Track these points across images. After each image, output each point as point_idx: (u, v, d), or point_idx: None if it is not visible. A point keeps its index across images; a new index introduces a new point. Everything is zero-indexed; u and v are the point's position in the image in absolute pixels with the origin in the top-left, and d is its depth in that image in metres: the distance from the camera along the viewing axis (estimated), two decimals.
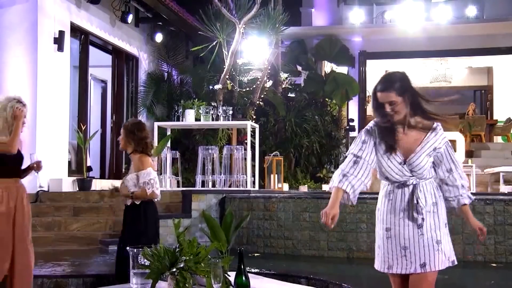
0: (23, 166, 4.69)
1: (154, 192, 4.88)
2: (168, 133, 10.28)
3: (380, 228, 3.28)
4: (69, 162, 10.86)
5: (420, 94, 3.18)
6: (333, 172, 16.03)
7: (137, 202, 4.87)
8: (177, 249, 2.90)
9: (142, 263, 2.99)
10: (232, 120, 10.10)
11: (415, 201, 3.15)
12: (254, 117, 12.76)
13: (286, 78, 15.21)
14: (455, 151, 14.00)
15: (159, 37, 13.36)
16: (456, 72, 20.41)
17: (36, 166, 4.70)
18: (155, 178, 4.92)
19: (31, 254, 4.61)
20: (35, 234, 5.79)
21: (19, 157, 4.59)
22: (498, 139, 17.58)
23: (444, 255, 3.16)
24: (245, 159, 9.73)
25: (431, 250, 3.14)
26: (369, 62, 17.74)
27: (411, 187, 3.18)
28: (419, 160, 3.16)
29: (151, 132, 11.41)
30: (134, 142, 4.92)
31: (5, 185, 4.47)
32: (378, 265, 3.28)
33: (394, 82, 3.16)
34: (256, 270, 5.66)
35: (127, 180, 4.87)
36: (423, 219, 3.15)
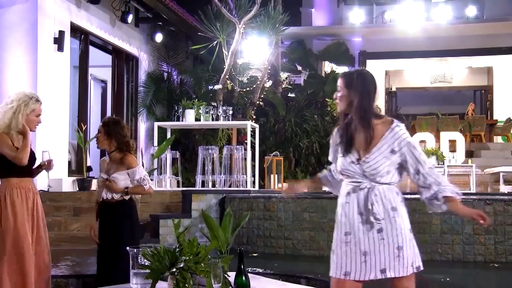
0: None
1: (151, 187, 4.89)
2: (168, 133, 10.28)
3: (339, 233, 3.14)
4: (69, 162, 10.85)
5: (370, 99, 3.10)
6: None
7: (126, 198, 4.82)
8: (177, 249, 2.90)
9: (142, 263, 2.99)
10: (232, 120, 10.09)
11: (369, 206, 3.03)
12: (254, 117, 12.76)
13: (286, 78, 15.21)
14: (454, 151, 13.87)
15: (159, 37, 13.36)
16: (456, 72, 20.41)
17: (47, 165, 4.66)
18: (147, 175, 4.93)
19: (48, 255, 4.59)
20: None
21: (32, 156, 4.57)
22: (498, 139, 17.57)
23: (407, 262, 3.04)
24: (245, 159, 9.72)
25: (391, 256, 3.03)
26: (369, 62, 17.74)
27: (366, 190, 3.07)
28: (373, 161, 3.04)
29: (151, 132, 11.45)
30: (117, 140, 4.84)
31: (22, 184, 4.44)
32: (333, 271, 3.11)
33: (351, 74, 3.17)
34: (256, 270, 5.65)
35: (116, 178, 4.79)
36: (380, 224, 3.04)
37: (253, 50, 12.73)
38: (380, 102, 19.47)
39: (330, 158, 3.32)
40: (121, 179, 4.78)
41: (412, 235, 3.11)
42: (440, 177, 3.10)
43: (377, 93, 3.16)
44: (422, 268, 3.10)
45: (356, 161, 3.08)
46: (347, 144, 3.12)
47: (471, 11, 16.91)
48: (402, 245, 3.03)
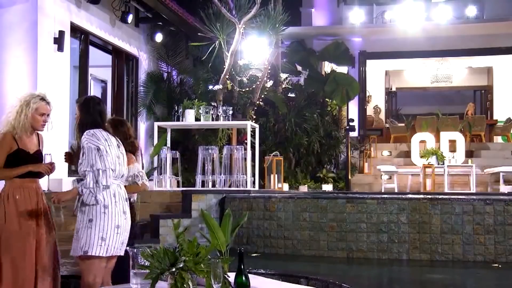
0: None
1: (144, 183, 4.84)
2: (168, 133, 10.26)
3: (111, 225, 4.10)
4: None
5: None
6: (333, 172, 16.03)
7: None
8: (177, 249, 2.90)
9: (142, 263, 2.98)
10: (232, 120, 10.09)
11: None
12: (254, 117, 12.77)
13: (286, 78, 15.22)
14: (454, 151, 13.88)
15: (159, 37, 13.36)
16: (456, 72, 20.42)
17: (48, 169, 4.59)
18: (144, 171, 4.90)
19: (53, 255, 4.58)
20: None
21: (40, 157, 4.54)
22: (498, 139, 17.59)
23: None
24: (245, 159, 9.73)
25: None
26: (369, 62, 17.75)
27: None
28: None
29: (151, 132, 11.45)
30: (121, 140, 4.81)
31: (26, 184, 4.43)
32: (102, 252, 4.10)
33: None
34: (256, 270, 5.65)
35: None
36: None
37: (253, 50, 12.73)
38: (380, 102, 19.53)
39: None
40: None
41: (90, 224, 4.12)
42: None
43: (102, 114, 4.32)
44: (89, 254, 4.07)
45: None
46: None
47: (471, 11, 16.91)
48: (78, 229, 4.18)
